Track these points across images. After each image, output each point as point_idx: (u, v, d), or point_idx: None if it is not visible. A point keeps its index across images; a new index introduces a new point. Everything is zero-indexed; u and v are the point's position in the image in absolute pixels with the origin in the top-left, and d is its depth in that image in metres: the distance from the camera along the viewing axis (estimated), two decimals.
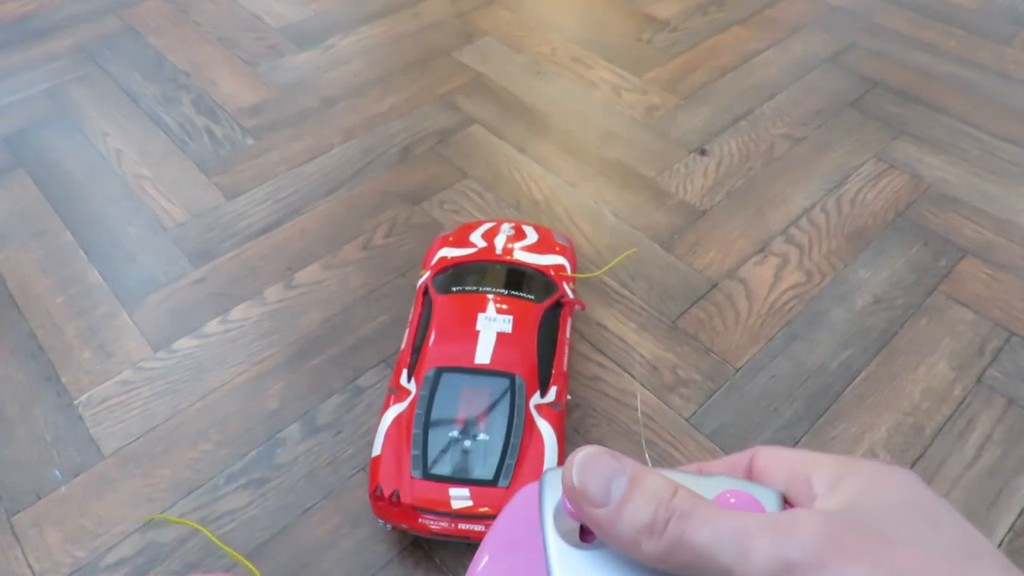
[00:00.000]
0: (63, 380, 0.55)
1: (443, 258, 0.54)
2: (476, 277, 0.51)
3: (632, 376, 0.55)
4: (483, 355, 0.46)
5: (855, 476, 0.18)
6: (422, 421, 0.43)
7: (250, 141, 0.76)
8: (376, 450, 0.44)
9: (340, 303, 0.60)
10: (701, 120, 0.78)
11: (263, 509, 0.48)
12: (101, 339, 0.58)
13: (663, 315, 0.59)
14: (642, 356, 0.56)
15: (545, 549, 0.19)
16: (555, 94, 0.81)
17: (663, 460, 0.50)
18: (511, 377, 0.45)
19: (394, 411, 0.45)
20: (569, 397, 0.53)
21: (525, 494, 0.22)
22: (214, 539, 0.46)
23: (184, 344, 0.57)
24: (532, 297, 0.50)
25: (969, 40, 0.89)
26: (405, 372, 0.47)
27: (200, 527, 0.47)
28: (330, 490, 0.49)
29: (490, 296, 0.49)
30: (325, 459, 0.50)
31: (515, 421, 0.43)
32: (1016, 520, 0.47)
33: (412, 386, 0.46)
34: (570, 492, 0.18)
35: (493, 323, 0.48)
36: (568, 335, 0.51)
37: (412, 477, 0.42)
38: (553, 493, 0.20)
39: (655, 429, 0.52)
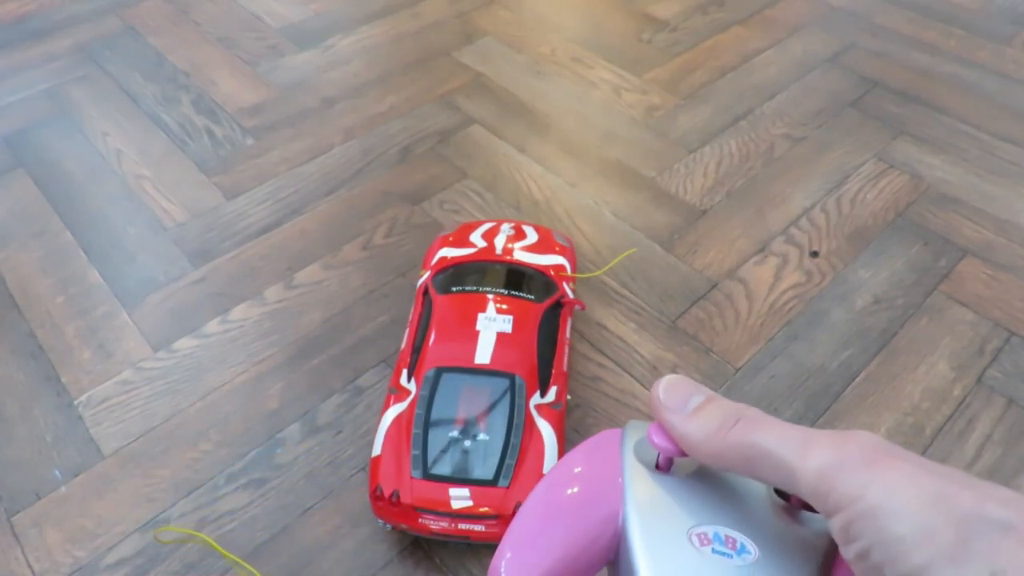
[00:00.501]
0: (63, 380, 0.55)
1: (443, 258, 0.54)
2: (476, 277, 0.51)
3: (632, 376, 0.55)
4: (483, 355, 0.46)
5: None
6: (422, 421, 0.43)
7: (250, 141, 0.76)
8: (376, 450, 0.44)
9: (340, 303, 0.60)
10: (701, 120, 0.78)
11: (263, 509, 0.48)
12: (101, 339, 0.58)
13: (663, 315, 0.59)
14: (642, 356, 0.56)
15: (623, 467, 0.22)
16: (555, 94, 0.81)
17: None
18: (511, 377, 0.45)
19: (394, 411, 0.45)
20: (569, 397, 0.53)
21: (607, 433, 0.24)
22: (215, 546, 0.46)
23: (184, 344, 0.57)
24: (532, 297, 0.50)
25: (969, 40, 0.89)
26: (405, 372, 0.47)
27: (206, 537, 0.47)
28: (330, 490, 0.49)
29: (490, 296, 0.49)
30: (325, 459, 0.50)
31: (515, 421, 0.43)
32: None
33: (412, 386, 0.46)
34: (654, 402, 0.21)
35: (493, 323, 0.48)
36: (568, 335, 0.51)
37: (412, 477, 0.42)
38: (634, 433, 0.23)
39: None
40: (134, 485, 0.49)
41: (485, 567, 0.45)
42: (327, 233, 0.66)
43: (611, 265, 0.62)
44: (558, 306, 0.51)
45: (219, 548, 0.46)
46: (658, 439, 0.21)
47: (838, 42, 0.89)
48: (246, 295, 0.61)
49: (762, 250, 0.64)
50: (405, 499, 0.42)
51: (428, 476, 0.42)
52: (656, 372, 0.55)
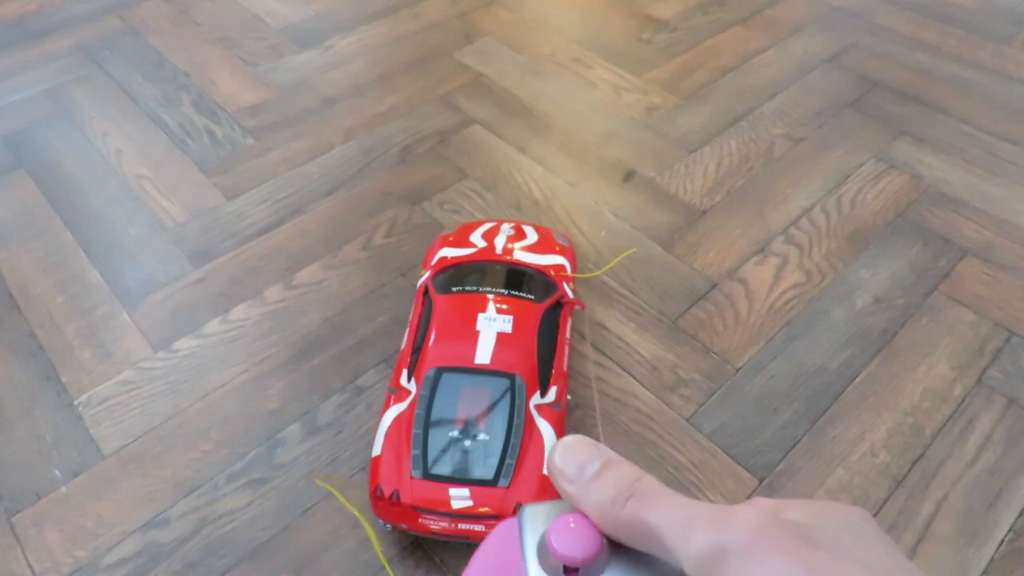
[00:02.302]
0: (63, 380, 0.55)
1: (443, 258, 0.54)
2: (476, 277, 0.51)
3: (632, 376, 0.55)
4: (483, 355, 0.46)
5: (806, 503, 0.19)
6: (422, 421, 0.43)
7: (250, 141, 0.76)
8: (376, 450, 0.44)
9: (340, 303, 0.60)
10: (701, 120, 0.78)
11: (263, 509, 0.48)
12: (101, 339, 0.58)
13: (663, 315, 0.59)
14: (642, 356, 0.56)
15: None
16: (555, 94, 0.81)
17: (663, 460, 0.50)
18: (511, 377, 0.45)
19: (394, 411, 0.45)
20: (569, 397, 0.53)
21: (506, 528, 0.22)
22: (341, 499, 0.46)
23: (184, 344, 0.57)
24: (532, 297, 0.50)
25: (969, 40, 0.89)
26: (405, 372, 0.47)
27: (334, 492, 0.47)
28: (330, 490, 0.49)
29: (490, 296, 0.49)
30: (325, 459, 0.50)
31: (515, 421, 0.43)
32: (1016, 520, 0.47)
33: (412, 386, 0.46)
34: (552, 470, 0.21)
35: (493, 323, 0.47)
36: (568, 335, 0.51)
37: (412, 477, 0.42)
38: (534, 526, 0.20)
39: (655, 429, 0.52)
40: (134, 485, 0.49)
41: None
42: (327, 233, 0.66)
43: (611, 265, 0.62)
44: (558, 306, 0.51)
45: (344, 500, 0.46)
46: (558, 543, 0.19)
47: (838, 42, 0.89)
48: (246, 295, 0.61)
49: (762, 250, 0.64)
50: (405, 499, 0.42)
51: (428, 476, 0.42)
52: (656, 372, 0.55)
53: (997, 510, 0.48)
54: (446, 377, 0.45)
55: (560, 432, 0.45)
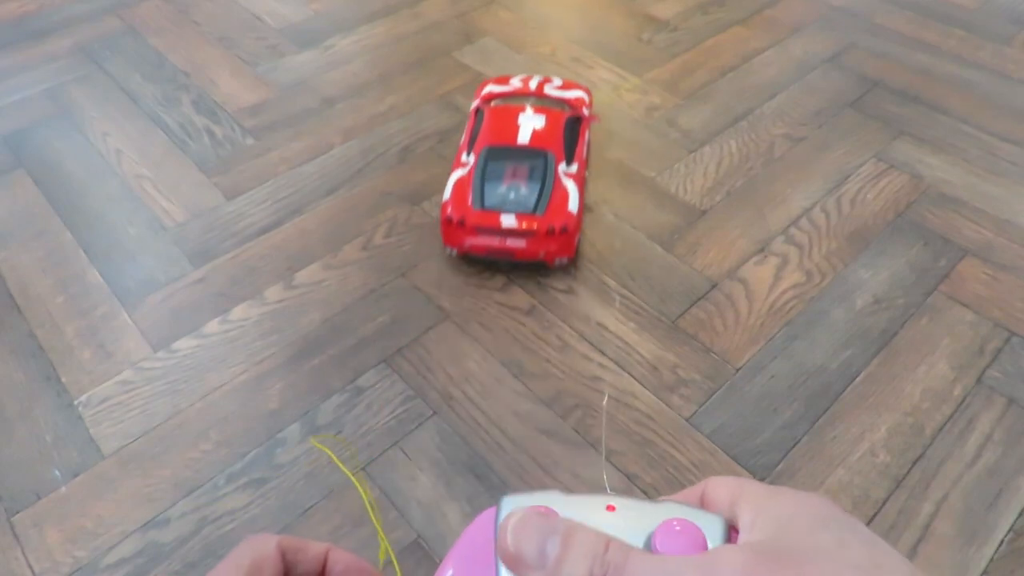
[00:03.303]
0: (63, 380, 0.55)
1: (490, 92, 0.71)
2: (517, 99, 0.69)
3: (632, 376, 0.55)
4: (523, 138, 0.63)
5: (774, 505, 0.19)
6: (479, 175, 0.60)
7: (250, 141, 0.76)
8: (446, 196, 0.61)
9: (340, 303, 0.60)
10: (701, 120, 0.78)
11: (263, 509, 0.48)
12: (101, 339, 0.58)
13: (663, 315, 0.59)
14: (642, 356, 0.56)
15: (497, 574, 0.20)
16: None
17: (663, 460, 0.50)
18: (545, 153, 0.62)
19: (457, 174, 0.62)
20: (587, 173, 0.69)
21: (485, 517, 0.22)
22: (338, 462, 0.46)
23: (184, 344, 0.57)
24: (559, 108, 0.67)
25: (969, 40, 0.89)
26: (465, 153, 0.64)
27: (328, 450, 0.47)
28: (330, 490, 0.49)
29: (529, 105, 0.67)
30: (325, 459, 0.50)
31: (548, 177, 0.60)
32: (1016, 520, 0.47)
33: (471, 159, 0.62)
34: (507, 558, 0.19)
35: (531, 120, 0.64)
36: (587, 138, 0.68)
37: (474, 208, 0.59)
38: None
39: (655, 429, 0.52)
40: (134, 485, 0.49)
41: None
42: (327, 233, 0.66)
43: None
44: (579, 119, 0.67)
45: (339, 463, 0.46)
46: (515, 573, 0.19)
47: (838, 42, 0.89)
48: (246, 295, 0.61)
49: (762, 250, 0.64)
50: (469, 221, 0.58)
51: (485, 207, 0.59)
52: (656, 372, 0.55)
53: (997, 510, 0.48)
54: (496, 151, 0.62)
55: (581, 188, 0.62)
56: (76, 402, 0.54)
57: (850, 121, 0.78)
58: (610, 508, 0.20)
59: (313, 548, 0.26)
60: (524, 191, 0.59)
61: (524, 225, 0.58)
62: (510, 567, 0.19)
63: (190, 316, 0.59)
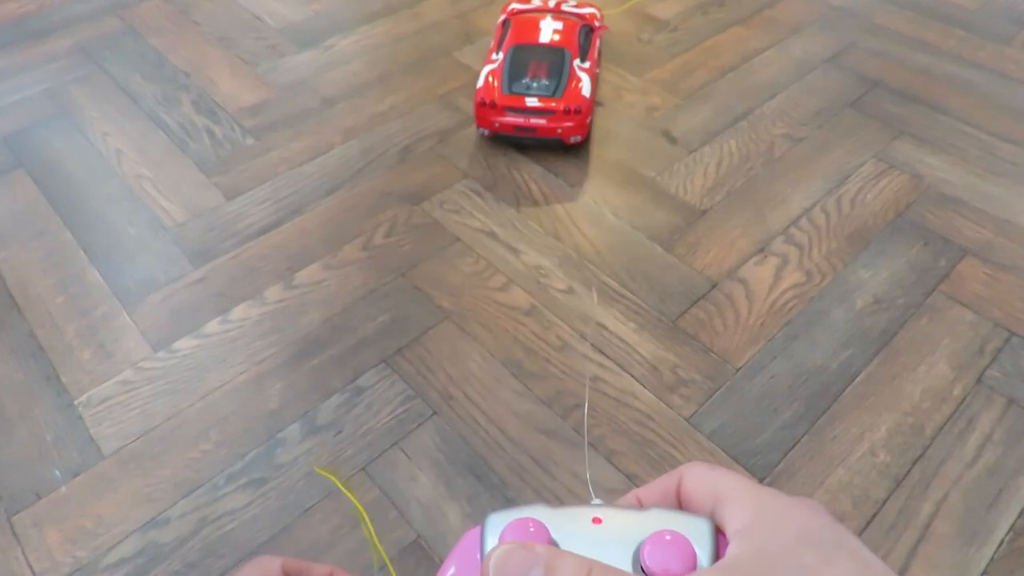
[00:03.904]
0: (63, 380, 0.55)
1: (513, 9, 0.82)
2: (538, 13, 0.81)
3: (632, 376, 0.55)
4: (544, 38, 0.75)
5: (761, 512, 0.19)
6: (507, 67, 0.72)
7: (250, 141, 0.76)
8: (479, 83, 0.71)
9: (340, 303, 0.60)
10: (701, 120, 0.78)
11: (263, 509, 0.48)
12: (101, 339, 0.58)
13: (663, 315, 0.59)
14: (642, 356, 0.56)
15: None
16: None
17: (663, 460, 0.50)
18: (562, 50, 0.74)
19: (488, 68, 0.73)
20: (598, 70, 0.81)
21: (470, 537, 0.22)
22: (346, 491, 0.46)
23: (184, 344, 0.57)
24: (574, 18, 0.79)
25: (969, 40, 0.89)
26: (494, 52, 0.75)
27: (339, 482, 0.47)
28: (330, 490, 0.49)
29: (548, 15, 0.79)
30: (325, 459, 0.50)
31: (565, 69, 0.72)
32: (1016, 520, 0.47)
33: (500, 56, 0.74)
34: None
35: (551, 25, 0.77)
36: (599, 45, 0.80)
37: (502, 92, 0.70)
38: (494, 536, 0.21)
39: (655, 429, 0.52)
40: (134, 485, 0.49)
41: None
42: (327, 233, 0.66)
43: (629, 3, 0.91)
44: (591, 29, 0.79)
45: (347, 491, 0.46)
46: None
47: (838, 42, 0.89)
48: (246, 295, 0.61)
49: (762, 250, 0.64)
50: (499, 103, 0.70)
51: (511, 92, 0.70)
52: (656, 372, 0.55)
53: (997, 510, 0.48)
54: (522, 49, 0.74)
55: (593, 78, 0.73)
56: (76, 402, 0.54)
57: (850, 121, 0.78)
58: (596, 520, 0.20)
59: (316, 571, 0.26)
60: (545, 81, 0.70)
61: (545, 104, 0.69)
62: None
63: (190, 316, 0.59)
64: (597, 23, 0.81)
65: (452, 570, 0.22)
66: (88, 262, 0.64)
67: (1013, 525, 0.47)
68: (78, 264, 0.63)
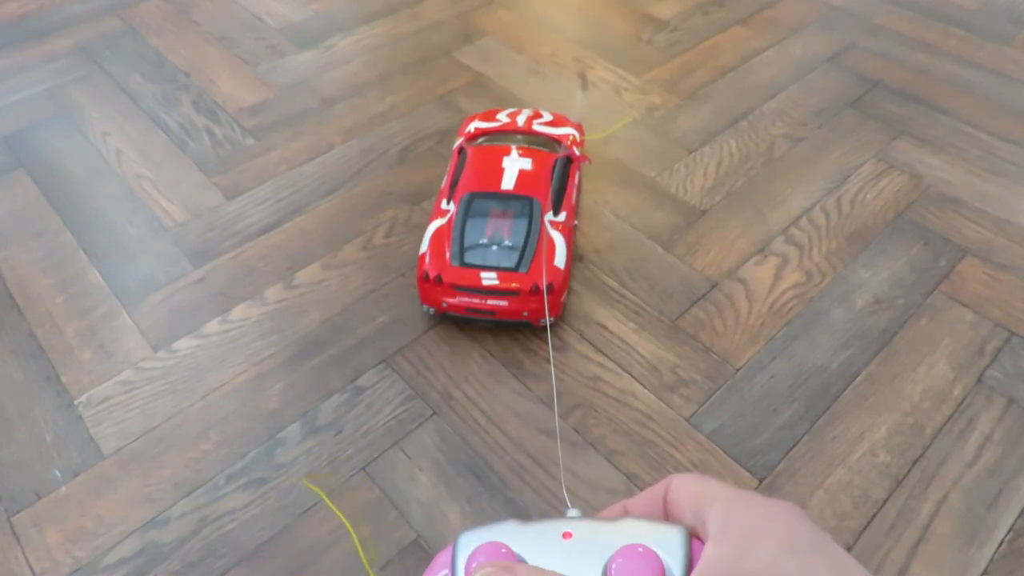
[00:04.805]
0: (63, 380, 0.55)
1: (474, 128, 0.66)
2: (502, 139, 0.64)
3: (632, 376, 0.55)
4: (508, 183, 0.58)
5: (741, 519, 0.19)
6: (459, 227, 0.55)
7: (250, 141, 0.76)
8: (423, 249, 0.56)
9: (340, 303, 0.60)
10: (701, 120, 0.78)
11: (263, 509, 0.48)
12: (101, 339, 0.58)
13: (663, 315, 0.59)
14: (642, 356, 0.56)
15: None
16: (555, 94, 0.81)
17: (663, 460, 0.50)
18: (530, 199, 0.57)
19: (436, 224, 0.57)
20: (576, 222, 0.63)
21: (443, 558, 0.22)
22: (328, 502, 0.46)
23: (184, 344, 0.57)
24: (548, 149, 0.62)
25: (969, 40, 0.89)
26: (445, 200, 0.58)
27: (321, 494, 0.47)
28: (330, 490, 0.49)
29: (514, 146, 0.62)
30: (325, 459, 0.50)
31: (533, 228, 0.55)
32: (1016, 520, 0.47)
33: (451, 207, 0.57)
34: None
35: (516, 163, 0.59)
36: (577, 182, 0.63)
37: (452, 265, 0.54)
38: (464, 554, 0.21)
39: (655, 429, 0.52)
40: (134, 485, 0.49)
41: None
42: (327, 233, 0.66)
43: (613, 130, 0.68)
44: (569, 161, 0.62)
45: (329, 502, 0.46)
46: None
47: (838, 42, 0.89)
48: (246, 295, 0.61)
49: (762, 250, 0.64)
50: (446, 279, 0.53)
51: (464, 264, 0.54)
52: (656, 372, 0.55)
53: (997, 510, 0.48)
54: (478, 198, 0.57)
55: (569, 240, 0.57)
56: (76, 402, 0.54)
57: (850, 121, 0.78)
58: (567, 535, 0.20)
59: None
60: (507, 243, 0.54)
61: (506, 284, 0.53)
62: None
63: (190, 316, 0.59)
64: (577, 149, 0.64)
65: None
66: (88, 262, 0.64)
67: (1013, 525, 0.47)
68: (78, 264, 0.63)
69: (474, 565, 0.20)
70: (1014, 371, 0.55)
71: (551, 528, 0.21)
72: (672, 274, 0.62)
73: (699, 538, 0.20)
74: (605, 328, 0.58)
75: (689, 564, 0.19)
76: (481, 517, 0.47)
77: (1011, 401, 0.54)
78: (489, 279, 0.53)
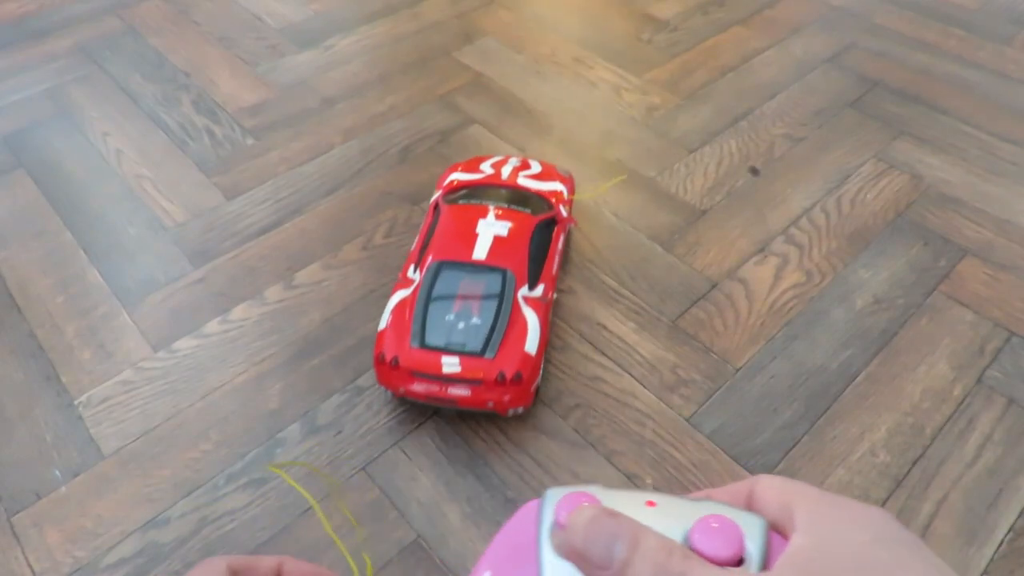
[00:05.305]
0: (63, 380, 0.55)
1: (453, 181, 0.61)
2: (481, 194, 0.58)
3: (632, 376, 0.55)
4: (480, 252, 0.52)
5: (832, 513, 0.19)
6: (423, 302, 0.50)
7: (250, 141, 0.76)
8: (382, 324, 0.50)
9: (340, 303, 0.60)
10: (701, 120, 0.78)
11: (263, 509, 0.48)
12: (101, 339, 0.58)
13: (663, 315, 0.59)
14: (642, 356, 0.56)
15: (540, 565, 0.20)
16: (555, 94, 0.81)
17: (663, 460, 0.50)
18: (503, 272, 0.51)
19: (399, 295, 0.52)
20: (555, 295, 0.56)
21: (527, 510, 0.22)
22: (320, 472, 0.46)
23: (184, 344, 0.57)
24: (529, 211, 0.56)
25: (969, 40, 0.89)
26: (412, 266, 0.53)
27: (310, 466, 0.47)
28: (330, 490, 0.49)
29: (491, 207, 0.56)
30: (325, 459, 0.50)
31: (504, 306, 0.50)
32: (1016, 520, 0.47)
33: (417, 276, 0.52)
34: (572, 553, 0.19)
35: (491, 227, 0.54)
36: (560, 247, 0.57)
37: (411, 347, 0.48)
38: (552, 510, 0.21)
39: (655, 429, 0.52)
40: (134, 485, 0.49)
41: None
42: (327, 233, 0.66)
43: (604, 189, 0.65)
44: (553, 222, 0.57)
45: (321, 472, 0.46)
46: (581, 570, 0.19)
47: (838, 42, 0.89)
48: (246, 295, 0.61)
49: (762, 250, 0.64)
50: (403, 364, 0.48)
51: (424, 346, 0.48)
52: (656, 372, 0.55)
53: (997, 510, 0.48)
54: (446, 268, 0.51)
55: (544, 320, 0.51)
56: (76, 402, 0.54)
57: (850, 121, 0.78)
58: (650, 504, 0.21)
59: (264, 563, 0.26)
60: (475, 322, 0.48)
61: (469, 372, 0.47)
62: (574, 562, 0.19)
63: (190, 316, 0.59)
64: (564, 209, 0.59)
65: (502, 547, 0.22)
66: (88, 262, 0.64)
67: (1013, 525, 0.47)
68: (78, 264, 0.63)
69: (566, 512, 0.20)
70: (1014, 371, 0.55)
71: (636, 496, 0.21)
72: (672, 274, 0.62)
73: (781, 533, 0.20)
74: (605, 328, 0.58)
75: (767, 552, 0.19)
76: (481, 517, 0.47)
77: (1011, 401, 0.54)
78: (451, 365, 0.47)
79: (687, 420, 0.53)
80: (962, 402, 0.54)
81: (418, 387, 0.48)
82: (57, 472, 0.50)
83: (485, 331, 0.48)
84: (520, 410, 0.50)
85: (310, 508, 0.48)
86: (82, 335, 0.58)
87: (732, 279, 0.62)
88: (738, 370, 0.56)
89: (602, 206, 0.68)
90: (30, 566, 0.45)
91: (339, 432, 0.52)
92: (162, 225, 0.67)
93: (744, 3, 0.97)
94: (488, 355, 0.48)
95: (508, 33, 0.91)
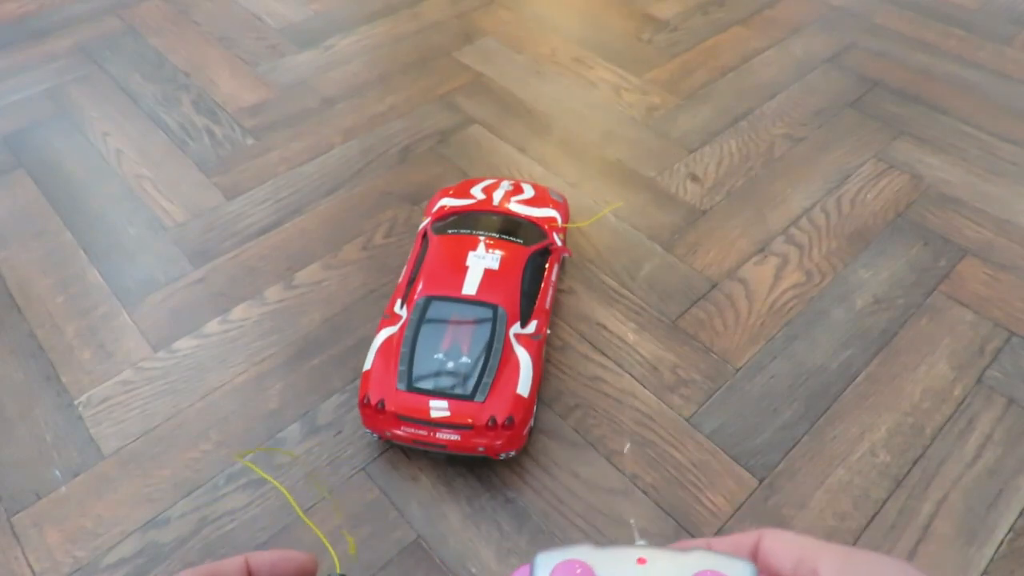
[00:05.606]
0: (63, 380, 0.55)
1: (443, 207, 0.59)
2: (471, 222, 0.56)
3: (632, 376, 0.55)
4: (470, 287, 0.50)
5: (861, 571, 0.19)
6: (410, 341, 0.48)
7: (250, 141, 0.76)
8: (367, 365, 0.48)
9: (340, 303, 0.60)
10: (701, 120, 0.78)
11: (263, 509, 0.48)
12: (101, 339, 0.58)
13: (663, 315, 0.59)
14: (642, 356, 0.56)
15: None
16: (555, 94, 0.81)
17: (663, 460, 0.50)
18: (494, 308, 0.49)
19: (385, 333, 0.49)
20: (548, 331, 0.55)
21: (520, 573, 0.22)
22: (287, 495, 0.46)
23: (184, 344, 0.57)
24: (521, 241, 0.54)
25: (969, 40, 0.89)
26: (399, 301, 0.51)
27: (276, 483, 0.47)
28: (330, 490, 0.49)
29: (482, 238, 0.54)
30: (325, 459, 0.50)
31: (494, 346, 0.47)
32: (1016, 520, 0.47)
33: (404, 312, 0.50)
34: (767, 561, 0.20)
35: (482, 260, 0.52)
36: (554, 279, 0.55)
37: (397, 389, 0.46)
38: (546, 573, 0.21)
39: (655, 429, 0.52)
40: (134, 485, 0.49)
41: (486, 566, 0.45)
42: (327, 233, 0.66)
43: (597, 218, 0.64)
44: (546, 252, 0.55)
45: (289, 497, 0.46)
46: None
47: (838, 42, 0.89)
48: (246, 295, 0.61)
49: (762, 250, 0.64)
50: (389, 407, 0.46)
51: (412, 389, 0.46)
52: (656, 372, 0.55)
53: (997, 510, 0.48)
54: (435, 304, 0.49)
55: (537, 359, 0.49)
56: (76, 402, 0.54)
57: (850, 121, 0.78)
58: (641, 561, 0.21)
59: (228, 565, 0.26)
60: (464, 362, 0.46)
61: (458, 416, 0.45)
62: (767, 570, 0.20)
63: (190, 316, 0.59)
64: (558, 237, 0.57)
65: None
66: (88, 262, 0.64)
67: (1013, 525, 0.47)
68: (78, 264, 0.63)
69: None
70: (1014, 371, 0.55)
71: (626, 554, 0.21)
72: (672, 274, 0.62)
73: None
74: (605, 328, 0.58)
75: None
76: (481, 517, 0.47)
77: (1011, 401, 0.54)
78: (439, 410, 0.45)
79: (687, 420, 0.53)
80: (962, 402, 0.54)
81: (405, 431, 0.46)
82: (57, 472, 0.50)
83: (475, 373, 0.46)
84: (512, 454, 0.47)
85: (310, 508, 0.48)
86: (82, 335, 0.58)
87: (732, 279, 0.62)
88: (738, 370, 0.56)
89: (602, 206, 0.68)
90: (30, 566, 0.45)
91: (339, 432, 0.52)
92: (162, 225, 0.67)
93: (744, 3, 0.97)
94: (478, 398, 0.46)
95: (508, 33, 0.91)
